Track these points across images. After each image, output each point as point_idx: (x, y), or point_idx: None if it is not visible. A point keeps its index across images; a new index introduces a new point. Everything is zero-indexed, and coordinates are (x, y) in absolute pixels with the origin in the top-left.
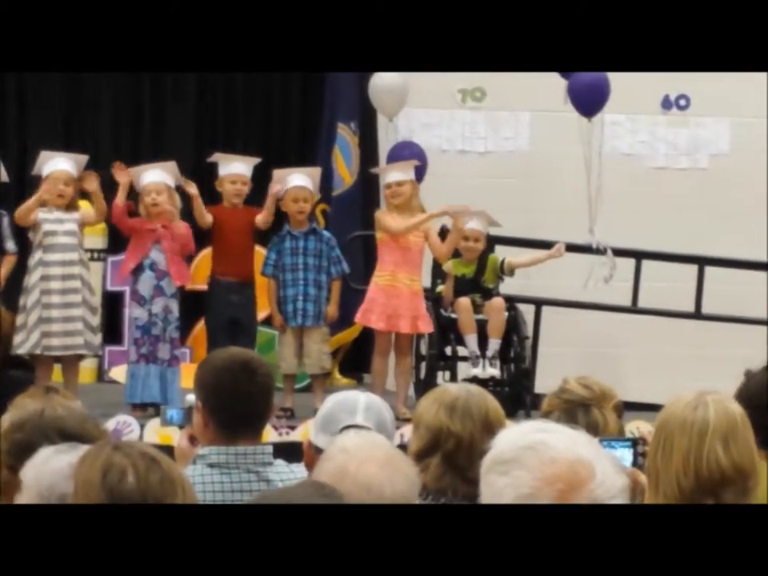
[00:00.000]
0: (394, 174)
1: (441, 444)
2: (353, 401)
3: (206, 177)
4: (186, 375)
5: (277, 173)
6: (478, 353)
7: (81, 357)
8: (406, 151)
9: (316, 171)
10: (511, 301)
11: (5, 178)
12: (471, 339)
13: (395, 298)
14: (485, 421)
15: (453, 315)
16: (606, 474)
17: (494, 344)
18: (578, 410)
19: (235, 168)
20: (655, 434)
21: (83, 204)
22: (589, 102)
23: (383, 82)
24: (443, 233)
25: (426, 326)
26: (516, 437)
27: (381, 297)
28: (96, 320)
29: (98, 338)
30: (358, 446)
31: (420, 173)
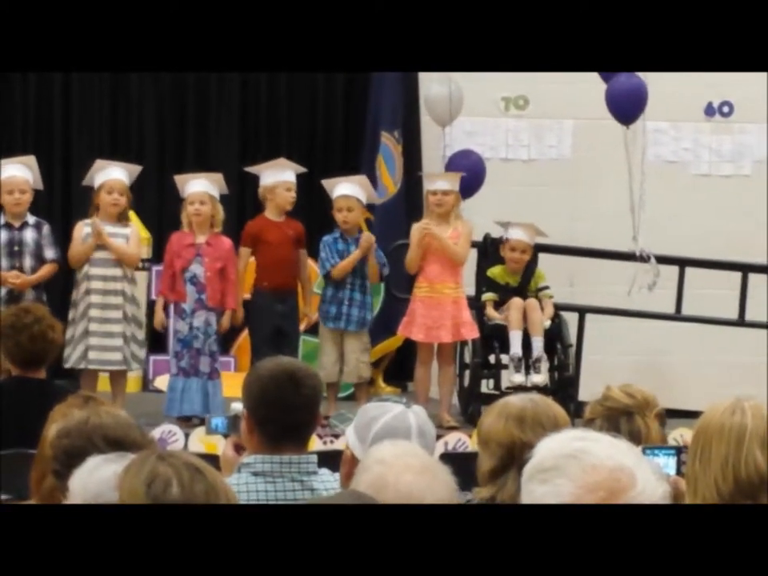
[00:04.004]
0: (441, 183)
1: (516, 458)
2: (406, 426)
3: (248, 186)
4: (230, 384)
5: (325, 182)
6: (521, 354)
7: (128, 370)
8: (467, 161)
9: (363, 178)
10: (555, 308)
11: (40, 185)
12: (516, 336)
13: (435, 308)
14: (555, 428)
15: (498, 322)
16: (647, 481)
17: (537, 342)
18: (621, 417)
19: (289, 176)
20: (693, 441)
21: (133, 218)
22: (626, 110)
23: (440, 91)
24: (485, 241)
25: (471, 333)
26: (557, 445)
27: (420, 308)
28: (142, 334)
29: (144, 352)
30: (395, 456)
31: (478, 182)
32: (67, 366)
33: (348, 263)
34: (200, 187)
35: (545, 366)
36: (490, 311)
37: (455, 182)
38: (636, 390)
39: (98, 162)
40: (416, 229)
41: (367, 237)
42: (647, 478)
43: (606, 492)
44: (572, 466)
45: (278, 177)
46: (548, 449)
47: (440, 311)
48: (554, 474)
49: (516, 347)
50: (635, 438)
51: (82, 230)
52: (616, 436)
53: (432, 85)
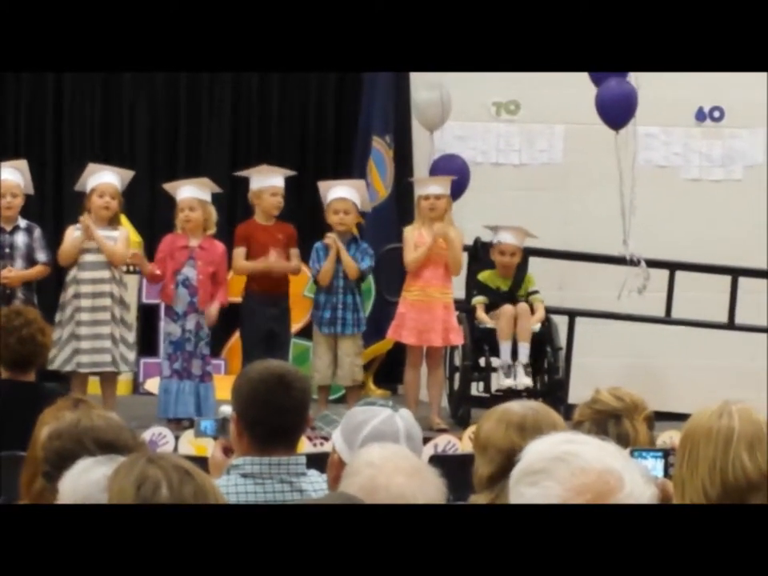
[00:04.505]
0: (434, 188)
1: (514, 465)
2: (394, 430)
3: (239, 188)
4: (221, 387)
5: (321, 184)
6: (511, 362)
7: (118, 372)
8: (451, 165)
9: (360, 183)
10: (545, 312)
11: (30, 190)
12: (506, 347)
13: (426, 312)
14: None
15: (488, 326)
16: (635, 484)
17: (524, 348)
18: (609, 420)
19: (275, 181)
20: (681, 444)
21: (125, 222)
22: (616, 115)
23: (429, 96)
24: (476, 245)
25: (457, 338)
26: (545, 448)
27: (411, 312)
28: (132, 336)
29: (133, 355)
30: (385, 459)
31: (462, 186)
32: (52, 367)
33: (326, 266)
34: (188, 193)
35: (528, 370)
36: (480, 315)
37: (447, 186)
38: (624, 393)
39: (90, 166)
40: (409, 231)
41: (327, 236)
42: (635, 481)
43: (594, 494)
44: (560, 469)
45: (265, 182)
46: (536, 451)
47: (431, 315)
48: (542, 476)
49: (506, 356)
50: (623, 441)
51: (73, 233)
52: (604, 439)
53: (421, 89)
